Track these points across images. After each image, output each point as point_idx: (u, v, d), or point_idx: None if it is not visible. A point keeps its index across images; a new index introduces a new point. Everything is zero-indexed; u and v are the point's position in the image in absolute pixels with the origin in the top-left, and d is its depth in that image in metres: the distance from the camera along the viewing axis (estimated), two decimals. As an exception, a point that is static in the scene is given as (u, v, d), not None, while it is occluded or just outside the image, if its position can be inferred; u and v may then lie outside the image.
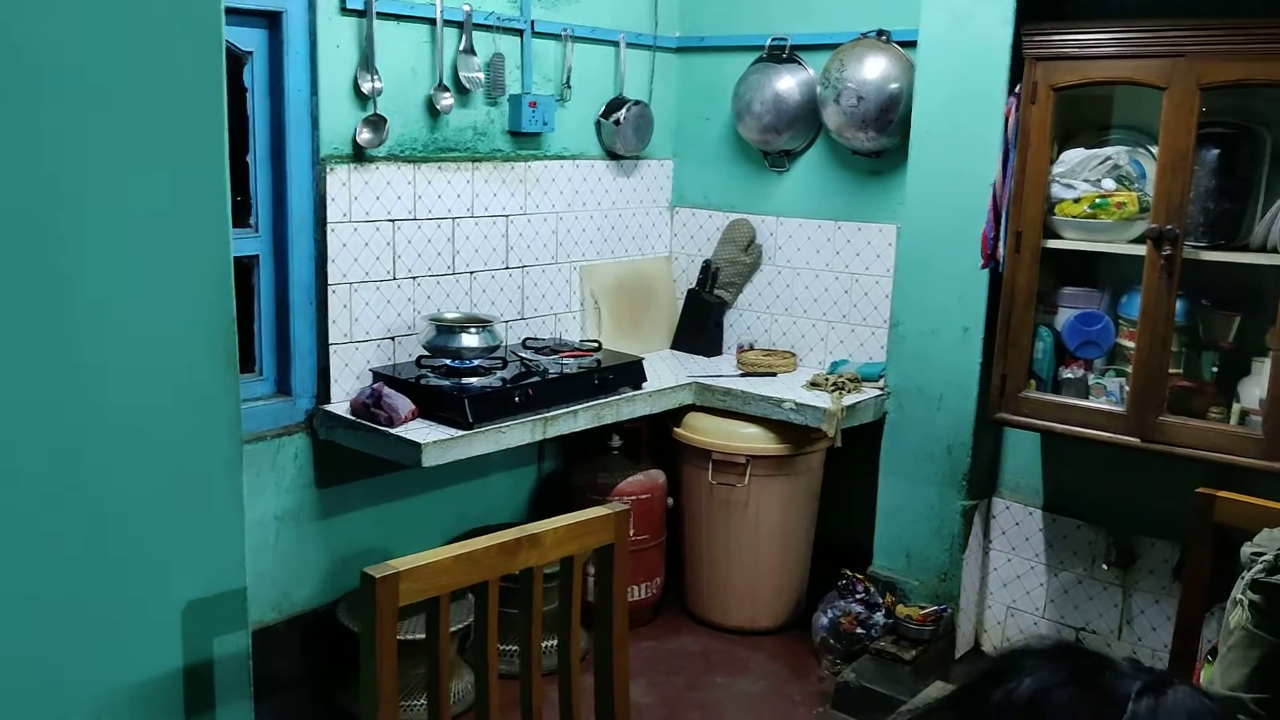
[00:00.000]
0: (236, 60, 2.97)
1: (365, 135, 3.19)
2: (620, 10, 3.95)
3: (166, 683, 1.77)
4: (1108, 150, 3.05)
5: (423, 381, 3.18)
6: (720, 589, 3.83)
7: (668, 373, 3.84)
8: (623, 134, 3.92)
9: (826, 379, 3.65)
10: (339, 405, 3.21)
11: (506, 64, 3.54)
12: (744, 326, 4.17)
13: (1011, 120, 3.11)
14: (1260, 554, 1.65)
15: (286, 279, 3.14)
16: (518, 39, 3.59)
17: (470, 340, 3.24)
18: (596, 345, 3.69)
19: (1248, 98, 2.89)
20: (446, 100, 3.38)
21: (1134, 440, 3.00)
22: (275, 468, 3.15)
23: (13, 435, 1.55)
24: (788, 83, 3.85)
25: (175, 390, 1.72)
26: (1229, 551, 1.89)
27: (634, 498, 3.67)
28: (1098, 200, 3.00)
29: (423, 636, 1.79)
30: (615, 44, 3.94)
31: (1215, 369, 3.03)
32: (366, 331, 3.31)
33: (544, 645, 1.97)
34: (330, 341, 3.21)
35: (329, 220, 3.15)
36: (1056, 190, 3.07)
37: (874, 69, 3.57)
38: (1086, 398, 3.14)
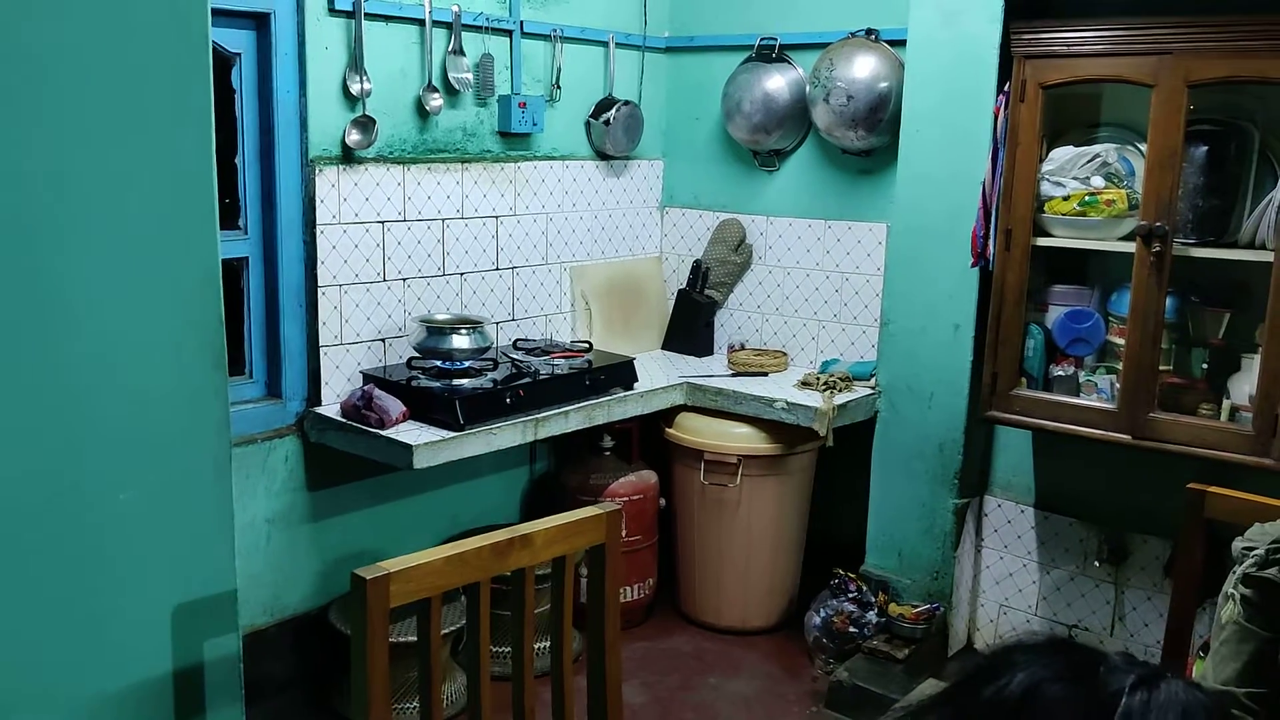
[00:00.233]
0: (224, 61, 2.96)
1: (354, 136, 3.18)
2: (609, 10, 3.95)
3: (156, 687, 1.76)
4: (1097, 148, 3.06)
5: (414, 383, 3.17)
6: (713, 589, 3.83)
7: (659, 373, 3.83)
8: (612, 134, 3.92)
9: (818, 378, 3.65)
10: (329, 407, 3.20)
11: (496, 64, 3.54)
12: (735, 326, 4.17)
13: (1001, 118, 3.12)
14: (1251, 548, 1.65)
15: (276, 281, 3.13)
16: (507, 39, 3.59)
17: (461, 342, 3.24)
18: (587, 346, 3.69)
19: (1235, 95, 2.90)
20: (436, 101, 3.37)
21: (1125, 437, 3.00)
22: (266, 470, 3.14)
23: (1, 438, 1.54)
24: (777, 82, 3.85)
25: (164, 393, 1.71)
26: (1220, 547, 1.90)
27: (626, 498, 3.66)
28: (1087, 198, 3.01)
29: (414, 639, 1.78)
30: (604, 44, 3.93)
31: (1205, 365, 3.04)
32: (357, 333, 3.30)
33: (536, 646, 1.97)
34: (320, 343, 3.21)
35: (318, 222, 3.14)
36: (1046, 188, 3.07)
37: (863, 68, 3.57)
38: (1077, 395, 3.14)
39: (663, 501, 3.88)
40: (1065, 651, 0.64)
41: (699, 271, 4.15)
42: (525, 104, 3.59)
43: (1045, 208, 3.07)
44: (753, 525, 3.73)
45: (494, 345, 3.42)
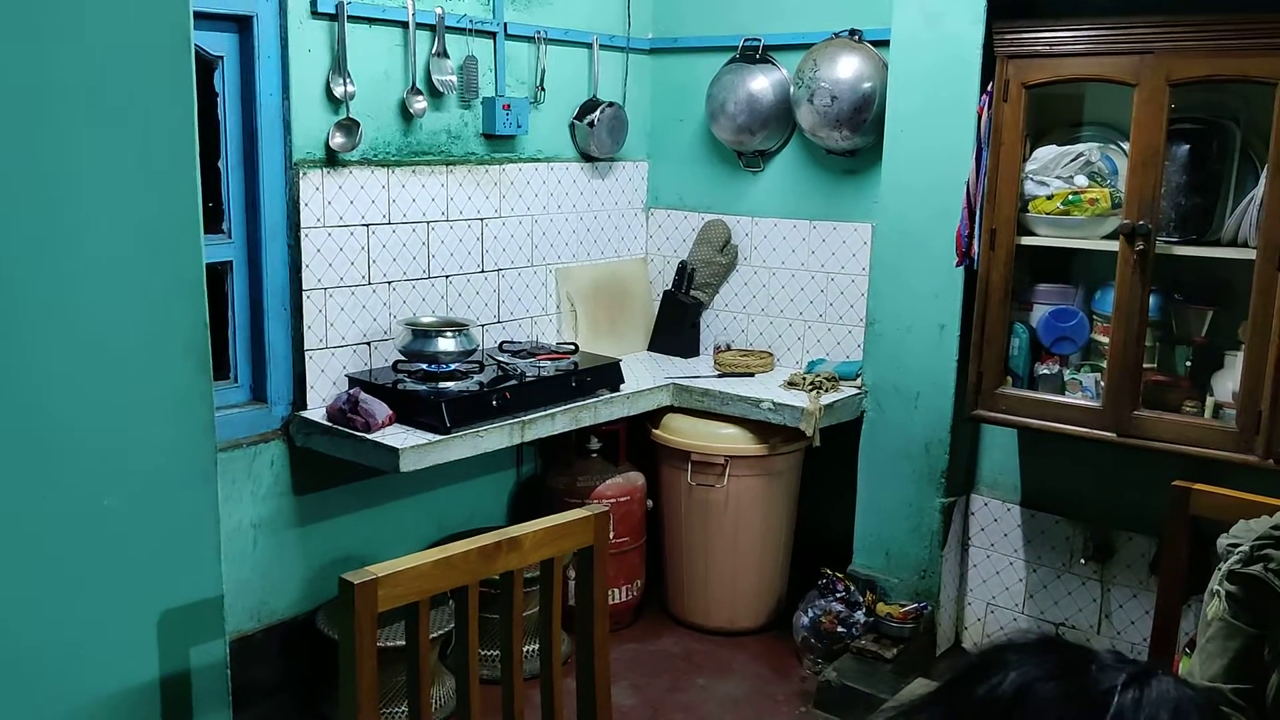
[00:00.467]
0: (207, 65, 2.95)
1: (338, 139, 3.17)
2: (593, 12, 3.95)
3: (143, 693, 1.75)
4: (1080, 147, 3.07)
5: (399, 386, 3.17)
6: (701, 590, 3.83)
7: (645, 374, 3.83)
8: (597, 136, 3.91)
9: (804, 378, 3.66)
10: (315, 411, 3.19)
11: (480, 66, 3.53)
12: (721, 327, 4.17)
13: (984, 118, 3.13)
14: (1236, 545, 1.66)
15: (260, 285, 3.12)
16: (490, 41, 3.58)
17: (446, 344, 3.23)
18: (573, 348, 3.68)
19: (1217, 93, 2.92)
20: (420, 103, 3.36)
21: (1110, 435, 3.02)
22: (252, 475, 3.13)
23: (-17, 446, 1.53)
24: (761, 83, 3.85)
25: (148, 397, 1.70)
26: (1205, 544, 1.91)
27: (613, 500, 3.66)
28: (1071, 197, 3.02)
29: (403, 643, 1.77)
30: (589, 46, 3.93)
31: (1189, 363, 3.06)
32: (342, 337, 3.29)
33: (525, 649, 1.97)
34: (306, 347, 3.19)
35: (302, 225, 3.13)
36: (1030, 187, 3.08)
37: (847, 68, 3.58)
38: (1062, 393, 3.16)
39: (650, 503, 3.88)
40: (1056, 650, 0.64)
41: (684, 272, 4.15)
42: (509, 106, 3.59)
43: (1029, 207, 3.09)
44: (740, 526, 3.73)
45: (480, 348, 3.41)
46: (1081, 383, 3.13)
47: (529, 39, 3.71)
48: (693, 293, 4.15)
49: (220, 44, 2.97)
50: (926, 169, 3.35)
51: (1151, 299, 2.93)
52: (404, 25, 3.30)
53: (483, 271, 3.70)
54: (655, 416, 3.79)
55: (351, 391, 3.10)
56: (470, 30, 3.50)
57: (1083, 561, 3.41)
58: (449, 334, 3.25)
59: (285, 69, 3.05)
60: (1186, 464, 2.81)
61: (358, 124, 3.19)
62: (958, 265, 3.26)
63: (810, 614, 3.51)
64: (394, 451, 2.93)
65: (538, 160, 3.84)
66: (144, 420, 1.70)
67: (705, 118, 4.02)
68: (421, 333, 3.25)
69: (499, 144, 3.68)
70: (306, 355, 3.20)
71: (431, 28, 3.37)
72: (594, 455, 3.79)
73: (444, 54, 3.40)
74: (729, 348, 4.08)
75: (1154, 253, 2.88)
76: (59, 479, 1.62)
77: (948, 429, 3.42)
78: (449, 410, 3.04)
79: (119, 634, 1.71)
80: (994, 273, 3.13)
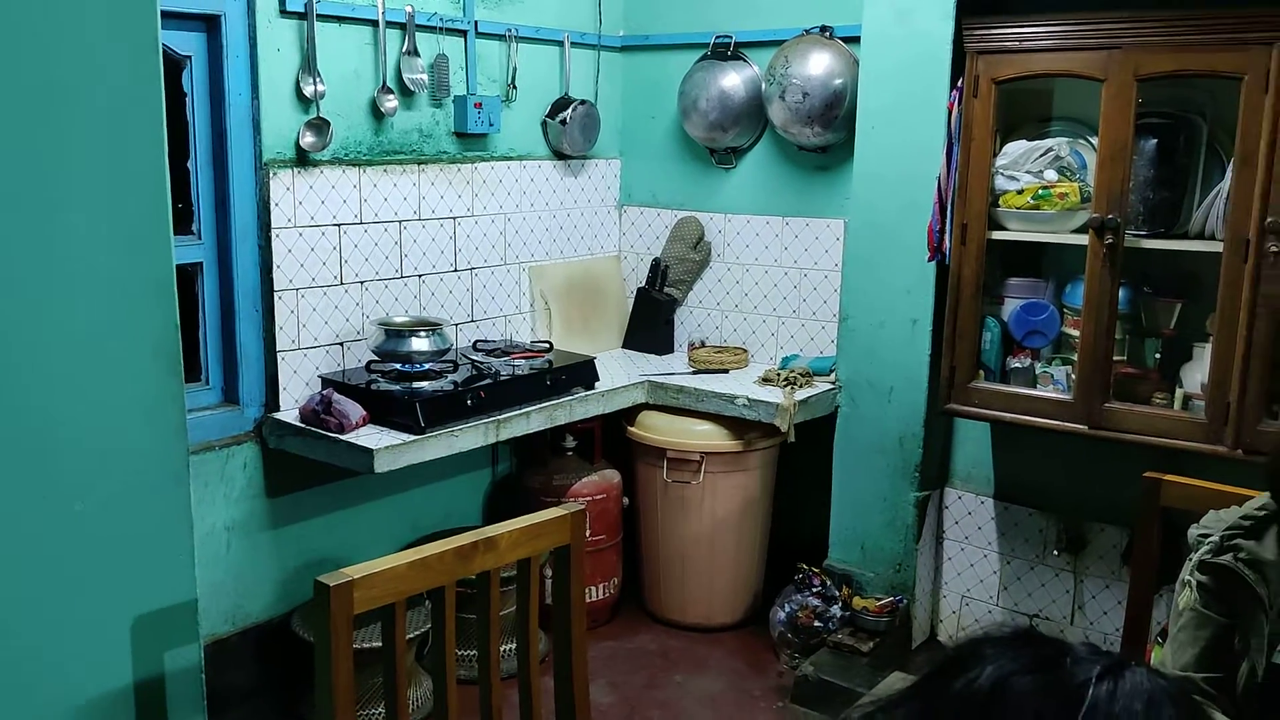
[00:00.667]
0: (175, 64, 2.92)
1: (308, 139, 3.15)
2: (564, 10, 3.94)
3: (117, 699, 1.73)
4: (1049, 142, 3.10)
5: (373, 387, 3.15)
6: (677, 586, 3.84)
7: (620, 372, 3.83)
8: (569, 134, 3.91)
9: (778, 374, 3.67)
10: (288, 413, 3.17)
11: (451, 65, 3.52)
12: (695, 324, 4.18)
13: (954, 114, 3.15)
14: (1207, 535, 1.68)
15: (231, 286, 3.09)
16: (461, 40, 3.57)
17: (420, 344, 3.22)
18: (548, 346, 3.68)
19: (1183, 88, 2.95)
20: (390, 102, 3.35)
21: (1081, 427, 3.04)
22: (224, 478, 3.11)
23: (-50, 452, 1.51)
24: (733, 80, 3.86)
25: (119, 401, 1.68)
26: (1176, 534, 1.93)
27: (589, 498, 3.66)
28: (1040, 191, 3.04)
29: (379, 644, 1.76)
30: (560, 44, 3.92)
31: (1158, 355, 3.09)
32: (315, 338, 3.27)
33: (502, 649, 1.96)
34: (278, 348, 3.17)
35: (273, 225, 3.11)
36: (1000, 182, 3.11)
37: (818, 65, 3.59)
38: (1034, 386, 3.18)
39: (626, 500, 3.88)
40: (1032, 644, 0.65)
41: (658, 270, 4.16)
42: (481, 104, 3.58)
43: (999, 202, 3.11)
44: (716, 522, 3.74)
45: (454, 347, 3.40)
46: (1053, 376, 3.16)
47: (500, 37, 3.70)
48: (666, 290, 4.15)
49: (188, 43, 2.95)
50: (898, 164, 3.36)
51: (1121, 292, 2.96)
52: (374, 24, 3.28)
53: (456, 271, 3.69)
54: (630, 414, 3.79)
55: (325, 392, 3.09)
56: (441, 29, 3.48)
57: (1056, 553, 3.44)
58: (422, 333, 3.24)
59: (254, 68, 3.03)
60: (1157, 455, 2.84)
61: (328, 123, 3.17)
62: (929, 260, 3.28)
63: (787, 609, 3.53)
64: (368, 452, 2.91)
65: (510, 158, 3.83)
66: (115, 423, 1.68)
67: (677, 115, 4.03)
68: (395, 333, 3.23)
69: (471, 142, 3.67)
70: (279, 356, 3.18)
71: (402, 26, 3.35)
72: (569, 453, 3.79)
73: (415, 52, 3.39)
74: (703, 344, 4.09)
75: (1123, 246, 2.90)
76: (29, 484, 1.60)
77: (921, 423, 3.44)
78: (423, 410, 3.02)
79: (92, 639, 1.70)
80: (965, 267, 3.15)
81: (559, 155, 4.00)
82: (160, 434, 1.74)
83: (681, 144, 4.11)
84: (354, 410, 3.03)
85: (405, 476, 3.39)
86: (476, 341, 3.68)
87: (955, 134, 3.14)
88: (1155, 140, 2.93)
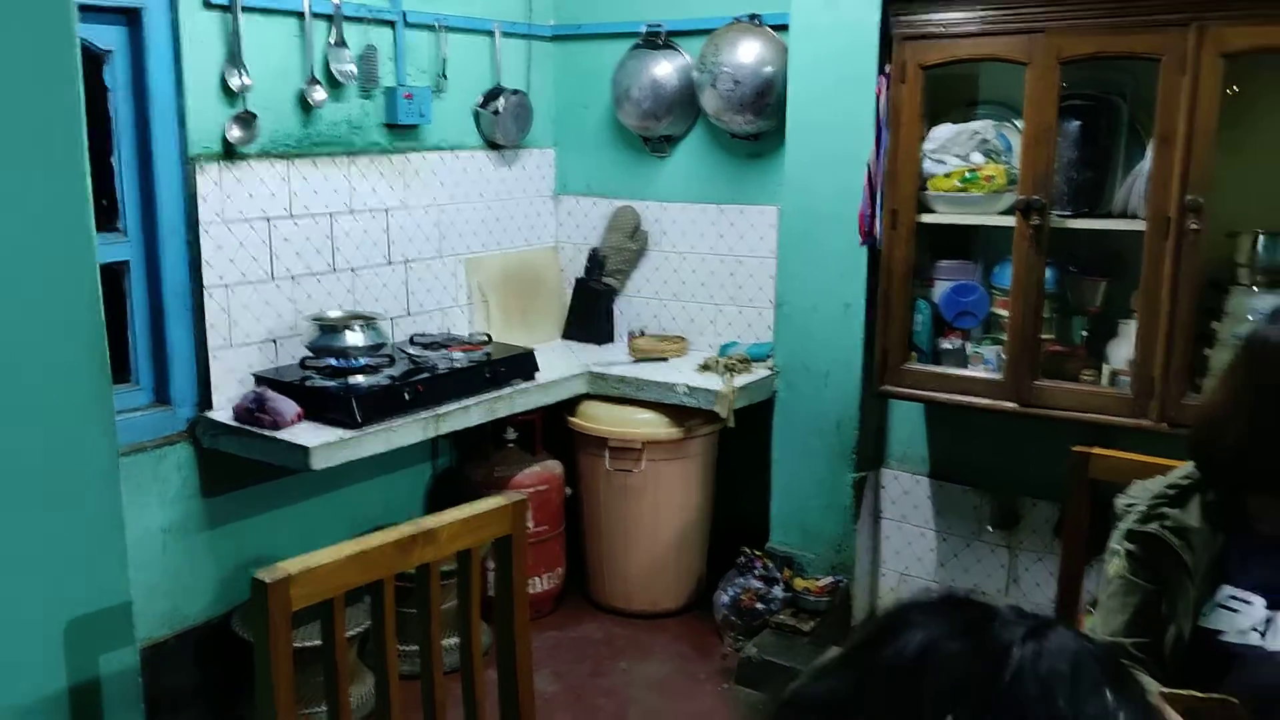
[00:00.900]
0: (95, 59, 2.86)
1: (235, 132, 3.10)
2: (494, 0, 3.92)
3: (51, 704, 1.70)
4: (976, 125, 3.15)
5: (307, 383, 3.11)
6: (621, 574, 3.85)
7: (560, 363, 3.83)
8: (502, 123, 3.89)
9: (717, 361, 3.69)
10: (221, 412, 3.12)
11: (379, 56, 3.48)
12: (634, 313, 4.19)
13: (883, 99, 3.18)
14: (1133, 505, 1.71)
15: (160, 284, 3.03)
16: (390, 30, 3.53)
17: (355, 338, 3.18)
18: (486, 338, 3.66)
19: (1104, 70, 3.01)
20: (319, 94, 3.30)
21: (1012, 405, 3.10)
22: (158, 479, 3.05)
23: None
24: (665, 68, 3.86)
25: (45, 402, 1.65)
26: (1105, 507, 1.97)
27: (531, 489, 3.65)
28: (968, 174, 3.09)
29: (319, 642, 1.75)
30: (490, 34, 3.90)
31: (1085, 333, 3.15)
32: (247, 335, 3.22)
33: (445, 643, 1.96)
34: (210, 346, 3.12)
35: (201, 221, 3.06)
36: (928, 166, 3.15)
37: (748, 53, 3.61)
38: (965, 367, 3.23)
39: (569, 490, 3.88)
40: (959, 608, 0.66)
41: (596, 259, 4.15)
42: (411, 95, 3.54)
43: (928, 185, 3.15)
44: (659, 509, 3.75)
45: (390, 341, 3.37)
46: (983, 355, 3.21)
47: (429, 27, 3.67)
48: (605, 279, 4.15)
49: (109, 38, 2.88)
50: (828, 151, 3.39)
51: (1048, 272, 3.02)
52: (300, 15, 3.24)
53: (390, 263, 3.66)
54: (571, 404, 3.79)
55: (258, 390, 3.04)
56: (369, 19, 3.44)
57: (990, 529, 3.50)
58: (356, 328, 3.20)
59: (178, 62, 2.97)
60: (1086, 430, 2.90)
61: (255, 116, 3.12)
62: (861, 244, 3.32)
63: (730, 592, 3.55)
64: (304, 449, 2.88)
65: (442, 149, 3.80)
66: (42, 426, 1.65)
67: (611, 104, 4.02)
68: (328, 327, 3.20)
69: (402, 133, 3.64)
70: (210, 354, 3.13)
71: (329, 17, 3.31)
72: (511, 445, 3.78)
73: (342, 44, 3.35)
74: (643, 333, 4.10)
75: (1049, 227, 2.96)
76: (-48, 489, 1.56)
77: (857, 405, 3.48)
78: (360, 405, 3.00)
79: (24, 643, 1.67)
80: (896, 251, 3.19)
81: (492, 145, 3.98)
82: (89, 435, 1.71)
83: (616, 133, 4.11)
84: (288, 407, 2.99)
85: (344, 473, 3.35)
86: (413, 335, 3.65)
87: (884, 119, 3.18)
88: (1078, 122, 2.99)
